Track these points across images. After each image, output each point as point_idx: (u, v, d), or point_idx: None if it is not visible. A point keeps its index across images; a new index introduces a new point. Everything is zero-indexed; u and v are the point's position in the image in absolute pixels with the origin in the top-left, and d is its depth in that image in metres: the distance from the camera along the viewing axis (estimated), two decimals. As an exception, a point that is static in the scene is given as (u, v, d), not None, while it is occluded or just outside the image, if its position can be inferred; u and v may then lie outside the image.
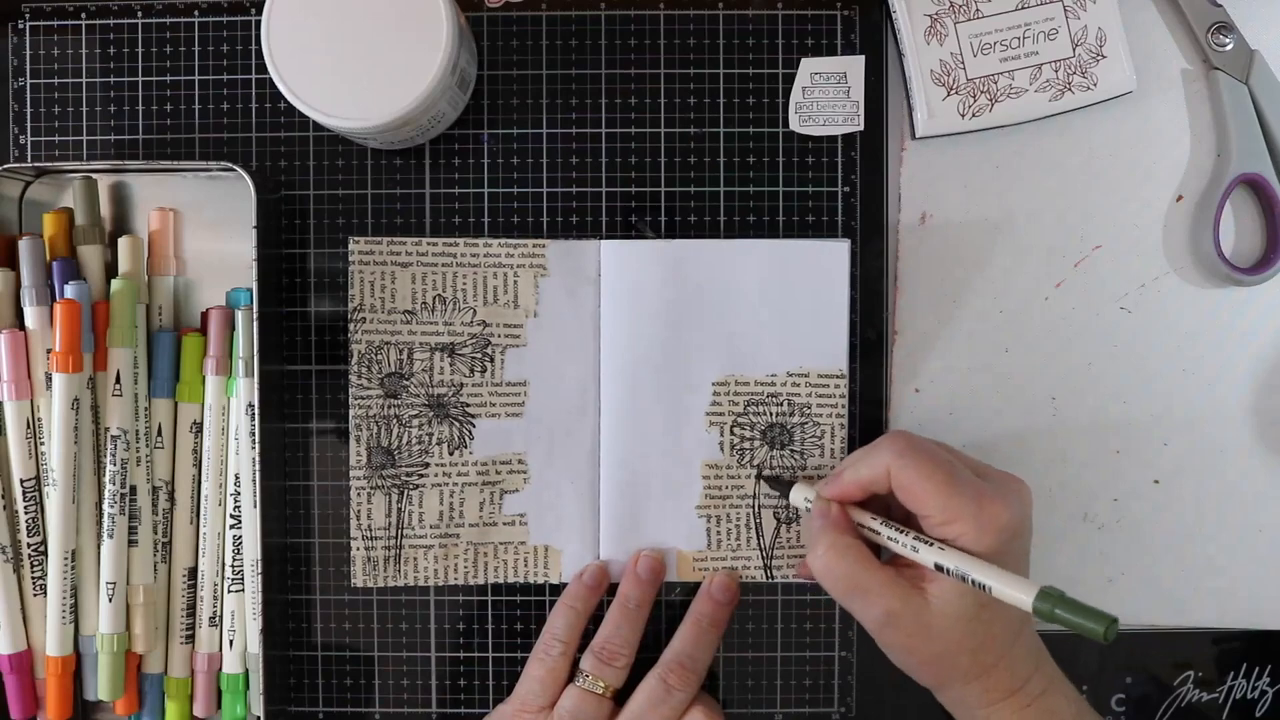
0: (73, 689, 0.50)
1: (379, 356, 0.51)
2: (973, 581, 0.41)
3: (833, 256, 0.50)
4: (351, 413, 0.51)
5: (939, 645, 0.43)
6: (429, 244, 0.51)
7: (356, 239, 0.51)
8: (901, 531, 0.44)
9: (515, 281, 0.51)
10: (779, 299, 0.50)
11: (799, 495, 0.48)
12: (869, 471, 0.44)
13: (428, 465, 0.51)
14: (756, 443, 0.51)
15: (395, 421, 0.51)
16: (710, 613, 0.50)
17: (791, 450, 0.51)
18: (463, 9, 0.49)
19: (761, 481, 0.51)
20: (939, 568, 0.42)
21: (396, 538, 0.51)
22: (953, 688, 0.44)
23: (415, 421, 0.50)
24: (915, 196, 0.52)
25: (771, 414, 0.51)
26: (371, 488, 0.51)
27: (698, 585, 0.51)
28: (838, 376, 0.51)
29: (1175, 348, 0.52)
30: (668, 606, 0.52)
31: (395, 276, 0.51)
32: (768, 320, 0.50)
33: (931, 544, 0.42)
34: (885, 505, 0.46)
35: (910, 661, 0.44)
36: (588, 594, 0.50)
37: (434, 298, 0.51)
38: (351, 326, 0.51)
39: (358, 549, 0.51)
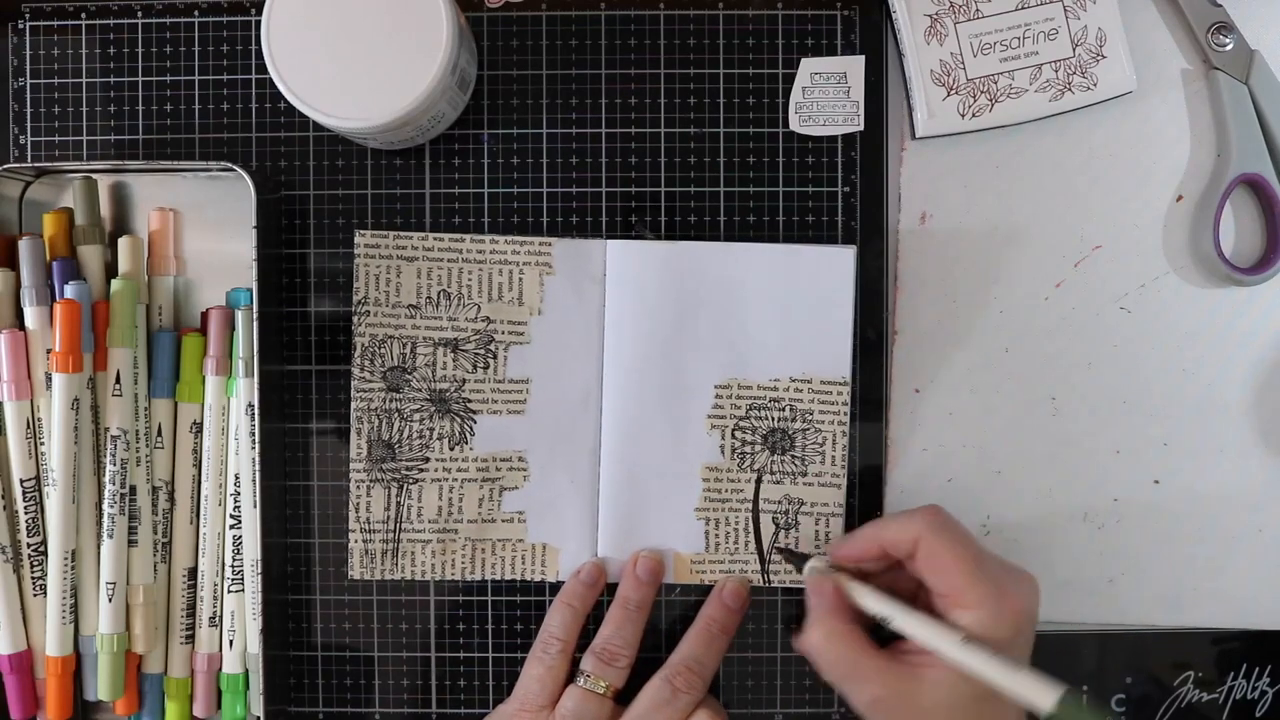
0: (73, 689, 0.50)
1: (382, 350, 0.51)
2: (989, 679, 0.40)
3: (839, 263, 0.50)
4: (353, 405, 0.51)
5: None
6: (435, 239, 0.51)
7: (362, 232, 0.51)
8: (921, 620, 0.43)
9: (520, 279, 0.51)
10: (784, 304, 0.50)
11: (813, 571, 0.48)
12: (897, 534, 0.44)
13: (428, 460, 0.51)
14: (757, 447, 0.51)
15: (396, 415, 0.51)
16: (720, 618, 0.50)
17: (792, 456, 0.51)
18: (463, 9, 0.49)
19: (777, 553, 0.51)
20: (966, 640, 0.41)
21: (394, 531, 0.51)
22: None
23: (416, 416, 0.50)
24: (915, 196, 0.52)
25: (773, 419, 0.51)
26: (371, 481, 0.51)
27: (696, 587, 0.51)
28: (840, 383, 0.51)
29: (1175, 348, 0.52)
30: (667, 607, 0.52)
31: (400, 271, 0.51)
32: (772, 325, 0.50)
33: (955, 637, 0.42)
34: (890, 580, 0.46)
35: None
36: (585, 592, 0.50)
37: (439, 293, 0.51)
38: (355, 320, 0.51)
39: (355, 541, 0.51)
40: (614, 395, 0.51)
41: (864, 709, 0.44)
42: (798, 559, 0.49)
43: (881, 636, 0.45)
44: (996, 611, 0.42)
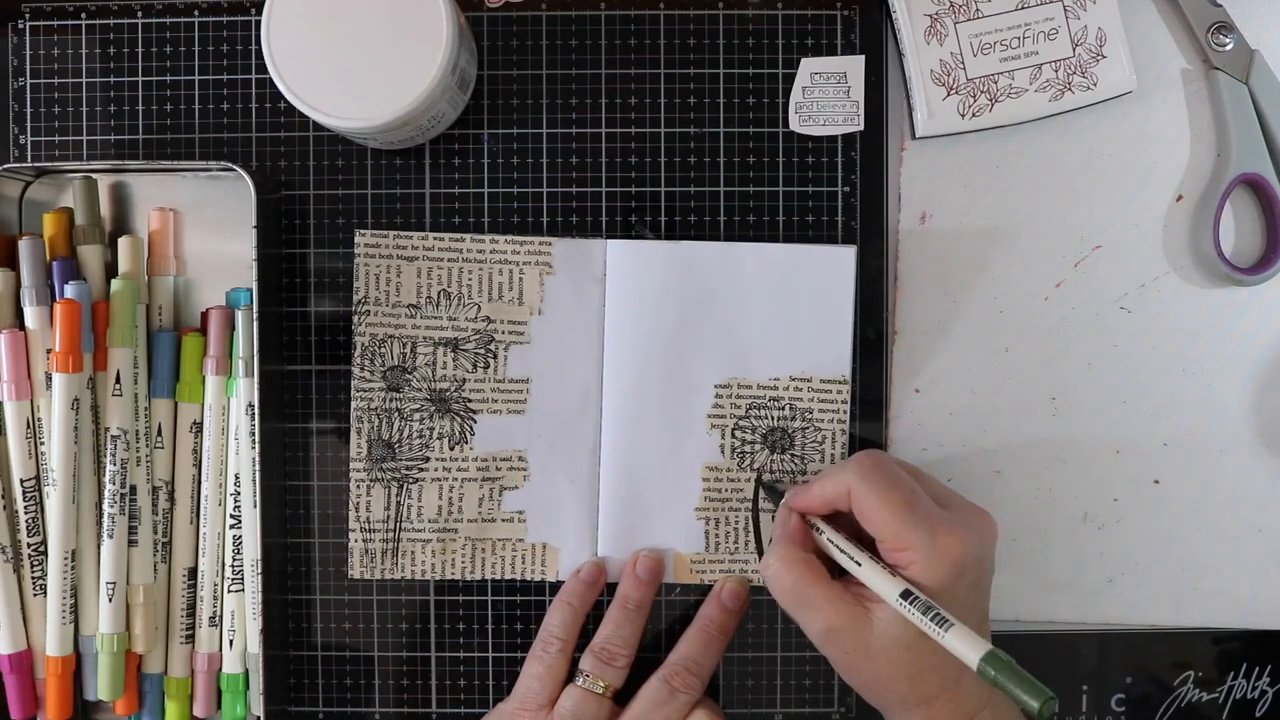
0: (73, 689, 0.50)
1: (382, 350, 0.51)
2: (929, 625, 0.40)
3: (839, 262, 0.50)
4: (353, 405, 0.51)
5: (878, 666, 0.43)
6: (435, 239, 0.51)
7: (363, 232, 0.51)
8: (860, 559, 0.43)
9: (520, 279, 0.51)
10: (784, 303, 0.50)
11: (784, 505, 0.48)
12: (833, 488, 0.44)
13: (428, 460, 0.51)
14: (757, 446, 0.51)
15: (396, 415, 0.51)
16: (719, 619, 0.50)
17: (792, 455, 0.51)
18: (463, 9, 0.49)
19: (759, 485, 0.51)
20: (903, 596, 0.41)
21: (394, 531, 0.51)
22: (894, 713, 0.44)
23: (416, 415, 0.51)
24: (915, 196, 0.52)
25: (773, 418, 0.51)
26: (370, 480, 0.51)
27: (696, 587, 0.51)
28: (840, 382, 0.51)
29: (1175, 348, 0.52)
30: (667, 607, 0.52)
31: (400, 270, 0.51)
32: (772, 324, 0.50)
33: (895, 577, 0.42)
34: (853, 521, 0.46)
35: (852, 679, 0.45)
36: (585, 591, 0.50)
37: (439, 292, 0.51)
38: (355, 319, 0.51)
39: (355, 541, 0.51)
40: (614, 395, 0.51)
41: (817, 639, 0.44)
42: (776, 495, 0.49)
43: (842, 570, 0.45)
44: (930, 556, 0.42)
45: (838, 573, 0.45)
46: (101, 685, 0.49)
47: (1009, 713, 0.44)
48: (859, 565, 0.43)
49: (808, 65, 0.51)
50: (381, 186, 0.52)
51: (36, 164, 0.50)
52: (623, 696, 0.49)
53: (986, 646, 0.39)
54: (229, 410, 0.50)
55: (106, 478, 0.49)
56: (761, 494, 0.51)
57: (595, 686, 0.48)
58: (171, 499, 0.51)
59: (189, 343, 0.50)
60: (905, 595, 0.41)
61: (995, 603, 0.46)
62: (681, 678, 0.48)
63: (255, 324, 0.48)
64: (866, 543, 0.44)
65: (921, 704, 0.43)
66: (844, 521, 0.46)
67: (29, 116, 0.52)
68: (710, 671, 0.49)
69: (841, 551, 0.44)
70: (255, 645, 0.50)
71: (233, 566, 0.50)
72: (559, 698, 0.48)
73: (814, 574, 0.44)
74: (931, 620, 0.40)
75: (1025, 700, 0.37)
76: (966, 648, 0.39)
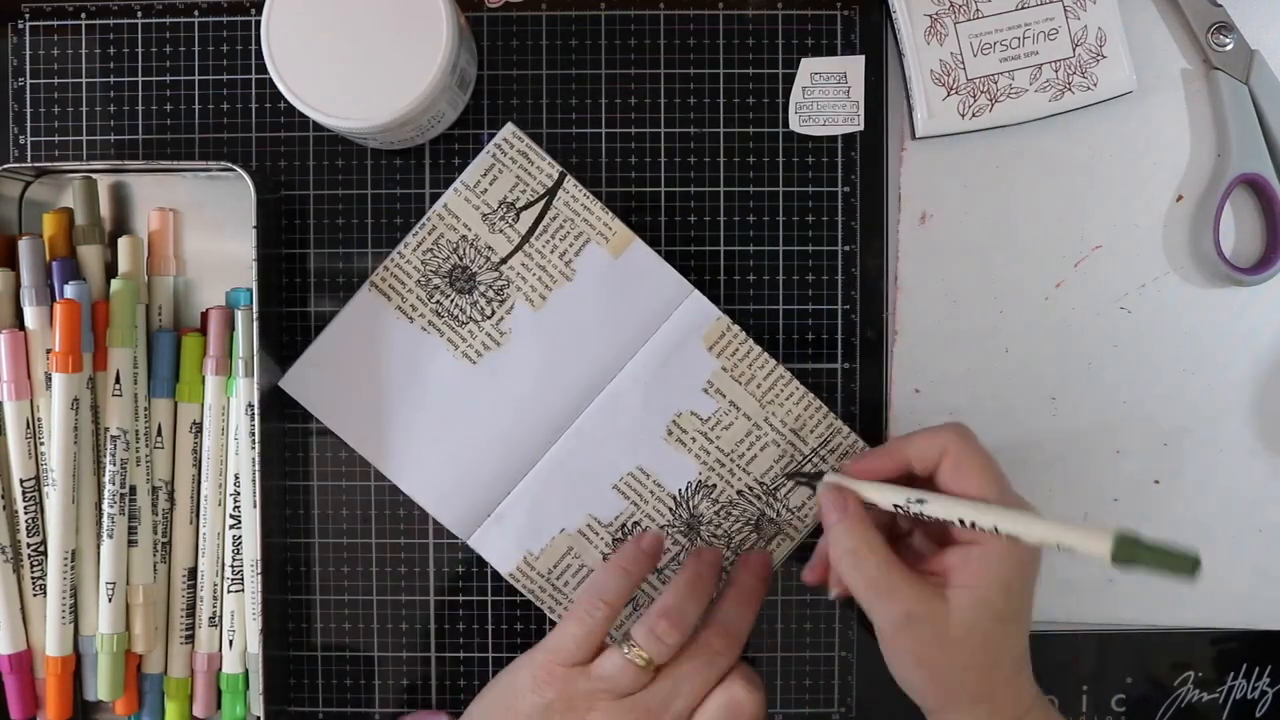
0: (73, 689, 0.50)
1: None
2: (1058, 546, 0.39)
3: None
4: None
5: (951, 656, 0.42)
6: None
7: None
8: (954, 500, 0.42)
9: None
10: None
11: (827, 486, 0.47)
12: (923, 446, 0.44)
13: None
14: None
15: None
16: (751, 582, 0.48)
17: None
18: (463, 9, 0.49)
19: (787, 479, 0.50)
20: (1011, 537, 0.40)
21: None
22: (957, 709, 0.43)
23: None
24: (915, 196, 0.52)
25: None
26: None
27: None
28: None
29: (1175, 348, 0.52)
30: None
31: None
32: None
33: (1009, 512, 0.41)
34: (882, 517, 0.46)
35: (919, 674, 0.43)
36: (644, 560, 0.47)
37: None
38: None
39: None
40: (590, 413, 0.51)
41: (893, 627, 0.43)
42: (811, 479, 0.48)
43: None
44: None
45: None
46: (101, 685, 0.49)
47: (1050, 711, 0.44)
48: (945, 501, 0.42)
49: (808, 65, 0.51)
50: (381, 186, 0.52)
51: (36, 164, 0.50)
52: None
53: (1111, 530, 0.38)
54: (229, 410, 0.50)
55: (106, 478, 0.49)
56: (791, 485, 0.50)
57: (638, 659, 0.44)
58: (171, 499, 0.51)
59: (189, 343, 0.50)
60: (1009, 538, 0.41)
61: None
62: (722, 639, 0.46)
63: (255, 324, 0.48)
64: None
65: (986, 699, 0.42)
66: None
67: (29, 116, 0.52)
68: (747, 633, 0.47)
69: (918, 493, 0.43)
70: (255, 645, 0.50)
71: (233, 566, 0.50)
72: (597, 657, 0.45)
73: (892, 559, 0.43)
74: (1049, 521, 0.40)
75: (1173, 564, 0.36)
76: (1094, 542, 0.38)
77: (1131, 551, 0.37)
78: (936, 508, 0.42)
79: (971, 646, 0.42)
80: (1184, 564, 0.36)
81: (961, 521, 0.42)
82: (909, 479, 0.45)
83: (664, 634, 0.44)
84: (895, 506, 0.44)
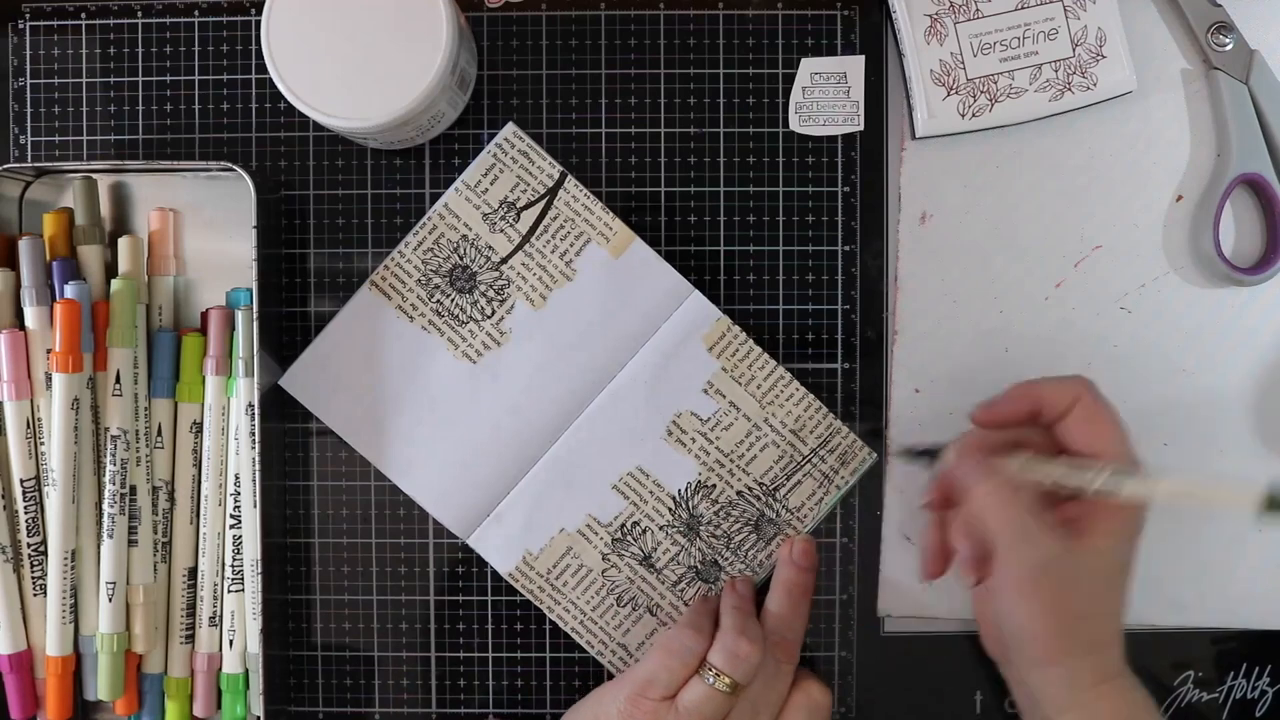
0: (73, 689, 0.50)
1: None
2: (1197, 491, 0.40)
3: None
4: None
5: (1079, 605, 0.43)
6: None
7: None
8: (1098, 466, 0.42)
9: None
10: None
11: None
12: (1055, 391, 0.44)
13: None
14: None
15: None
16: (799, 579, 0.49)
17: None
18: (463, 9, 0.49)
19: (903, 455, 0.50)
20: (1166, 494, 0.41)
21: None
22: (1069, 658, 0.43)
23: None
24: (915, 196, 0.52)
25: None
26: None
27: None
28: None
29: (1175, 348, 0.52)
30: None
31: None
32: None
33: (1162, 475, 0.42)
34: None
35: (1043, 623, 0.43)
36: (740, 601, 0.48)
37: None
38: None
39: None
40: (590, 413, 0.51)
41: (1029, 573, 0.43)
42: (930, 452, 0.48)
43: None
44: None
45: None
46: (101, 685, 0.49)
47: (1131, 675, 0.44)
48: (1087, 470, 0.42)
49: (808, 65, 0.51)
50: (381, 186, 0.52)
51: (36, 164, 0.50)
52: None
53: (1259, 485, 0.38)
54: (229, 410, 0.50)
55: (106, 478, 0.49)
56: (901, 462, 0.50)
57: (722, 685, 0.45)
58: (171, 499, 0.51)
59: (189, 343, 0.50)
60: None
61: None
62: (782, 648, 0.47)
63: (255, 324, 0.48)
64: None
65: (1097, 650, 0.43)
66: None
67: (29, 116, 0.52)
68: (802, 634, 0.49)
69: (1058, 463, 0.43)
70: (255, 645, 0.50)
71: (233, 566, 0.50)
72: (680, 690, 0.45)
73: (1031, 504, 0.43)
74: (1199, 477, 0.41)
75: None
76: (1241, 491, 0.38)
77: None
78: (1106, 482, 0.42)
79: (1099, 594, 0.43)
80: None
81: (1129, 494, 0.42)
82: (1028, 423, 0.45)
83: (747, 654, 0.45)
84: (1054, 484, 0.44)
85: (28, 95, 0.52)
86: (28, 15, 0.52)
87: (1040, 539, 0.42)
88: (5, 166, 0.49)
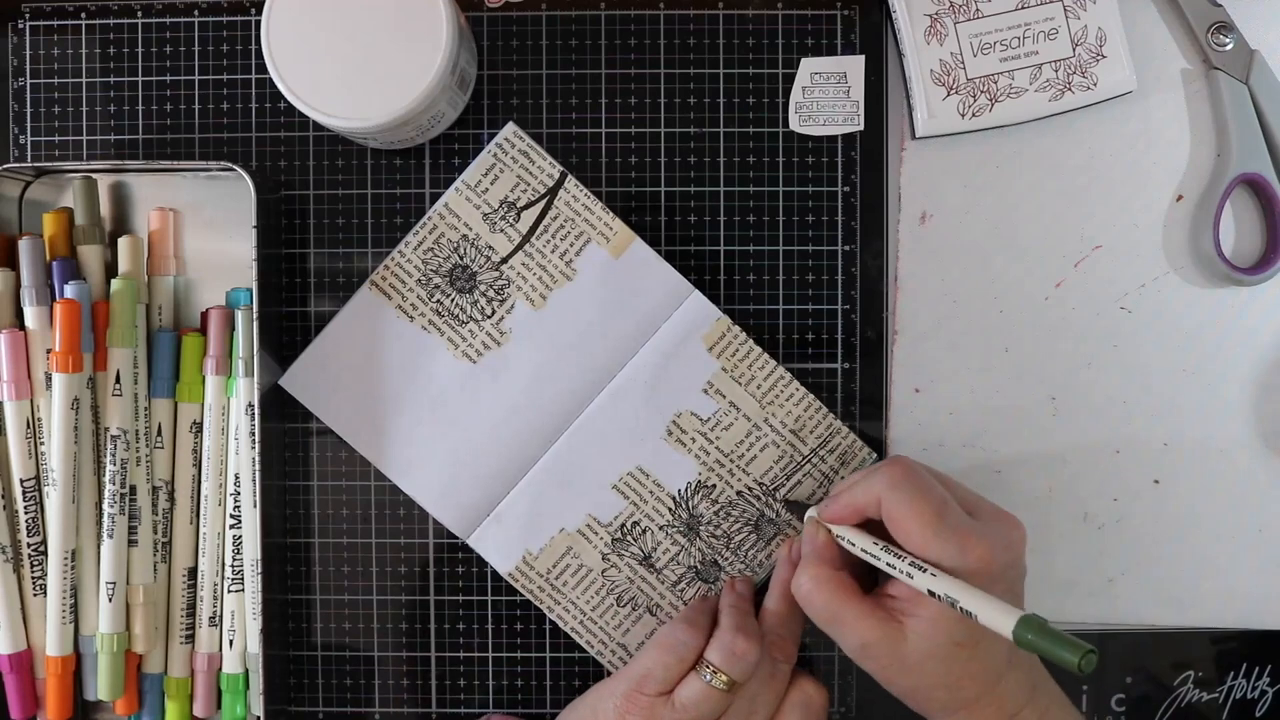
0: (73, 689, 0.50)
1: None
2: (960, 609, 0.40)
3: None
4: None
5: (914, 679, 0.44)
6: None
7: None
8: (899, 557, 0.43)
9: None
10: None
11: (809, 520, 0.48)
12: (863, 497, 0.44)
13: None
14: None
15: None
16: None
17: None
18: (463, 9, 0.49)
19: (784, 504, 0.51)
20: (931, 593, 0.41)
21: None
22: (936, 718, 0.45)
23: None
24: (915, 196, 0.52)
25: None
26: None
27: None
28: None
29: (1175, 348, 0.52)
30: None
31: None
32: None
33: (925, 570, 0.42)
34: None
35: (892, 690, 0.45)
36: (739, 600, 0.49)
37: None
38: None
39: None
40: (588, 399, 0.51)
41: (853, 654, 0.45)
42: (799, 508, 0.49)
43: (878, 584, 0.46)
44: (961, 564, 0.42)
45: (871, 584, 0.46)
46: (101, 685, 0.49)
47: (1052, 708, 0.45)
48: (907, 568, 0.43)
49: (808, 65, 0.51)
50: (381, 186, 0.52)
51: (36, 164, 0.50)
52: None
53: (1017, 614, 0.38)
54: (229, 410, 0.50)
55: (106, 478, 0.49)
56: (786, 513, 0.51)
57: (719, 683, 0.45)
58: (171, 499, 0.51)
59: (189, 343, 0.50)
60: (931, 594, 0.41)
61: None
62: (779, 647, 0.47)
63: (255, 324, 0.48)
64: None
65: (960, 708, 0.44)
66: (874, 528, 0.45)
67: (29, 116, 0.52)
68: (800, 634, 0.49)
69: (875, 558, 0.44)
70: (255, 645, 0.50)
71: (233, 566, 0.50)
72: (677, 686, 0.46)
73: (845, 591, 0.44)
74: (960, 612, 0.40)
75: (1065, 658, 0.37)
76: (1000, 620, 0.39)
77: (1030, 631, 0.38)
78: (883, 562, 0.43)
79: (931, 669, 0.43)
80: (1076, 651, 0.37)
81: (909, 575, 0.42)
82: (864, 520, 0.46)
83: (745, 652, 0.45)
84: (863, 551, 0.45)
85: (28, 95, 0.52)
86: (28, 15, 0.52)
87: (854, 624, 0.43)
88: (5, 166, 0.49)
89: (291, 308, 0.52)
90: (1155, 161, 0.51)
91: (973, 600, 0.40)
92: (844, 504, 0.45)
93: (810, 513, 0.48)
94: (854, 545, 0.45)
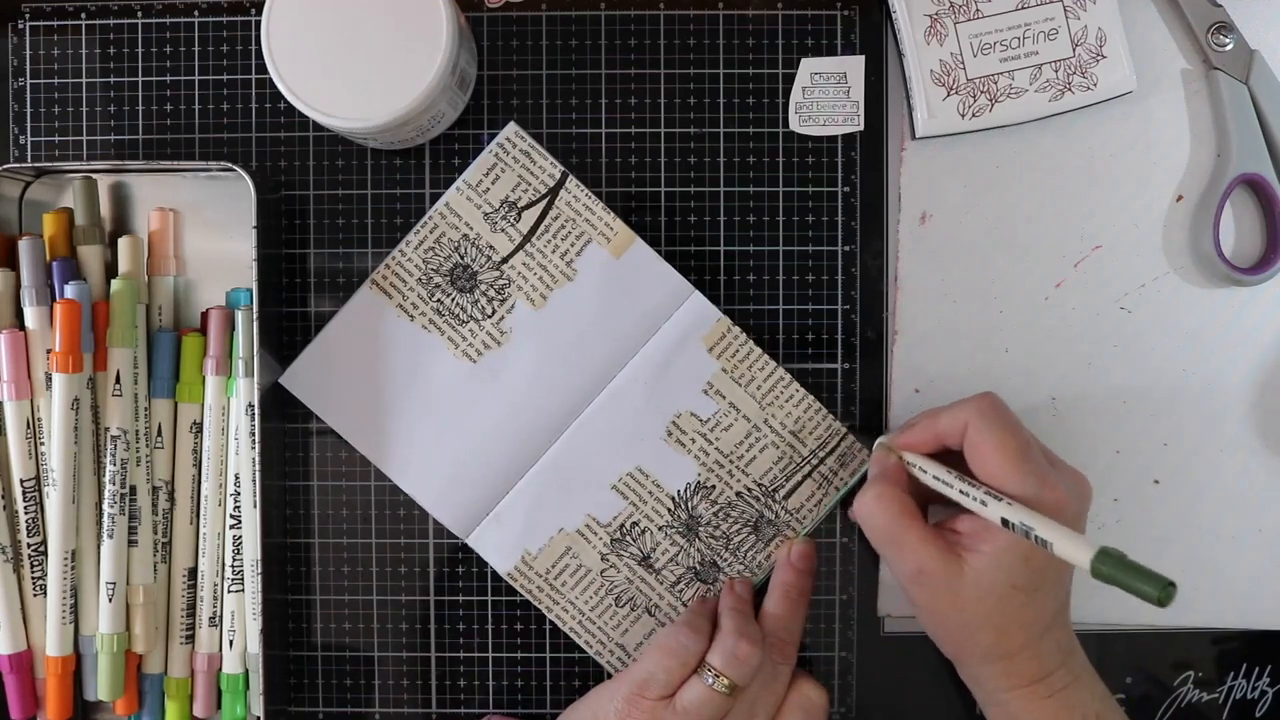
0: (73, 689, 0.50)
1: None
2: (1035, 537, 0.40)
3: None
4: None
5: (964, 616, 0.43)
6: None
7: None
8: (973, 485, 0.43)
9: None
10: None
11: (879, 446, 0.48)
12: (947, 423, 0.45)
13: None
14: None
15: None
16: (796, 582, 0.49)
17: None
18: (463, 9, 0.49)
19: (849, 433, 0.51)
20: (1005, 522, 0.41)
21: None
22: (973, 664, 0.45)
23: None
24: (915, 196, 0.52)
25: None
26: None
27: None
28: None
29: (1175, 348, 0.52)
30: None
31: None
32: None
33: (1001, 499, 0.42)
34: (956, 464, 0.46)
35: (934, 626, 0.45)
36: (739, 602, 0.48)
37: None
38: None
39: None
40: (588, 398, 0.51)
41: (906, 580, 0.44)
42: (868, 440, 0.49)
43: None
44: (1036, 500, 0.42)
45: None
46: (101, 685, 0.49)
47: (1084, 675, 0.45)
48: (981, 495, 0.42)
49: (808, 65, 0.51)
50: (381, 186, 0.52)
51: (36, 164, 0.50)
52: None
53: (1096, 546, 0.38)
54: (229, 410, 0.50)
55: (106, 478, 0.49)
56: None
57: (721, 686, 0.45)
58: (171, 499, 0.51)
59: (189, 343, 0.50)
60: (1004, 523, 0.41)
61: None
62: (779, 649, 0.47)
63: (255, 324, 0.48)
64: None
65: (1002, 658, 0.44)
66: (948, 462, 0.45)
67: (29, 116, 0.52)
68: (799, 636, 0.49)
69: (948, 485, 0.44)
70: (255, 645, 0.50)
71: (233, 566, 0.50)
72: (679, 690, 0.45)
73: (909, 513, 0.44)
74: (1035, 541, 0.40)
75: (1145, 590, 0.36)
76: (1077, 552, 0.39)
77: (1110, 564, 0.37)
78: (955, 490, 0.43)
79: (984, 609, 0.43)
80: (1156, 584, 0.36)
81: (982, 502, 0.42)
82: (940, 450, 0.46)
83: (747, 655, 0.45)
84: (935, 478, 0.45)
85: (28, 95, 0.52)
86: (28, 15, 0.52)
87: (913, 548, 0.43)
88: (5, 166, 0.49)
89: (291, 308, 0.52)
90: (1155, 161, 0.51)
91: (1049, 530, 0.40)
92: (924, 428, 0.45)
93: (881, 439, 0.48)
94: (925, 472, 0.45)
